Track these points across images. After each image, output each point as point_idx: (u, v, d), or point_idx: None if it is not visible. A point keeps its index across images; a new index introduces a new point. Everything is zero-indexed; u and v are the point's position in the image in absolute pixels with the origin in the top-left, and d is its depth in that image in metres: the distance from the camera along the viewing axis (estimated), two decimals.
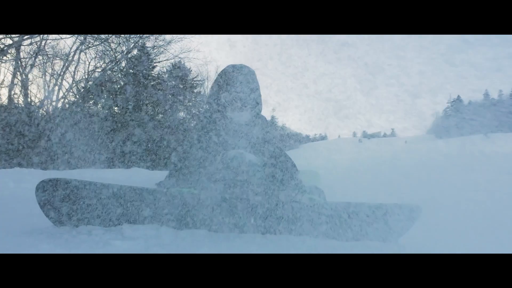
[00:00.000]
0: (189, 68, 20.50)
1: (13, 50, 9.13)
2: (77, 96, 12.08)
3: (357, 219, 1.15)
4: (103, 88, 13.28)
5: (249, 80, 1.85)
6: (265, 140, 1.90)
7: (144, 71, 14.71)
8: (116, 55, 12.45)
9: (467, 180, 5.03)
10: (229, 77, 1.84)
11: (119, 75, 13.86)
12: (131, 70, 13.90)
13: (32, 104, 11.24)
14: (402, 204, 1.13)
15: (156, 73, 17.03)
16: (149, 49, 13.88)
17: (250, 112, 1.87)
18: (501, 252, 1.12)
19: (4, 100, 9.93)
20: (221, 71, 1.92)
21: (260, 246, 1.07)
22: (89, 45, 11.68)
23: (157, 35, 11.92)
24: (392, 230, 1.18)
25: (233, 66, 1.91)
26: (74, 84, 12.18)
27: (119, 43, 12.37)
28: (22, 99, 11.20)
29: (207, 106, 1.95)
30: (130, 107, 14.28)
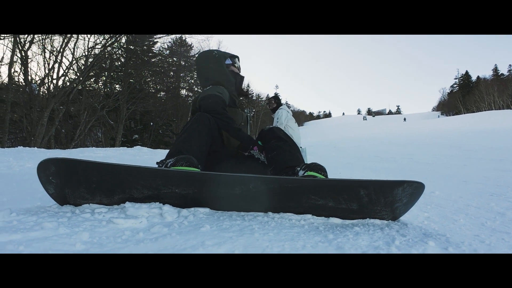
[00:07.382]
0: (191, 44, 20.07)
1: None
2: (78, 74, 11.96)
3: (359, 196, 1.14)
4: (104, 65, 13.10)
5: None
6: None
7: (145, 47, 14.43)
8: None
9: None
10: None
11: (120, 52, 13.62)
12: (131, 47, 13.63)
13: (33, 82, 11.16)
14: (405, 180, 1.11)
15: (157, 49, 16.71)
16: None
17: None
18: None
19: (5, 78, 9.86)
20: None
21: (262, 224, 1.07)
22: None
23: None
24: (394, 208, 1.18)
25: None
26: (74, 61, 12.03)
27: None
28: (23, 77, 11.13)
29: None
30: (131, 84, 14.12)
